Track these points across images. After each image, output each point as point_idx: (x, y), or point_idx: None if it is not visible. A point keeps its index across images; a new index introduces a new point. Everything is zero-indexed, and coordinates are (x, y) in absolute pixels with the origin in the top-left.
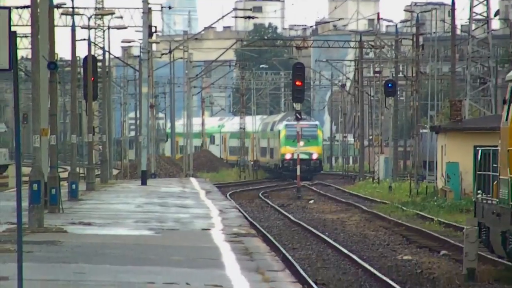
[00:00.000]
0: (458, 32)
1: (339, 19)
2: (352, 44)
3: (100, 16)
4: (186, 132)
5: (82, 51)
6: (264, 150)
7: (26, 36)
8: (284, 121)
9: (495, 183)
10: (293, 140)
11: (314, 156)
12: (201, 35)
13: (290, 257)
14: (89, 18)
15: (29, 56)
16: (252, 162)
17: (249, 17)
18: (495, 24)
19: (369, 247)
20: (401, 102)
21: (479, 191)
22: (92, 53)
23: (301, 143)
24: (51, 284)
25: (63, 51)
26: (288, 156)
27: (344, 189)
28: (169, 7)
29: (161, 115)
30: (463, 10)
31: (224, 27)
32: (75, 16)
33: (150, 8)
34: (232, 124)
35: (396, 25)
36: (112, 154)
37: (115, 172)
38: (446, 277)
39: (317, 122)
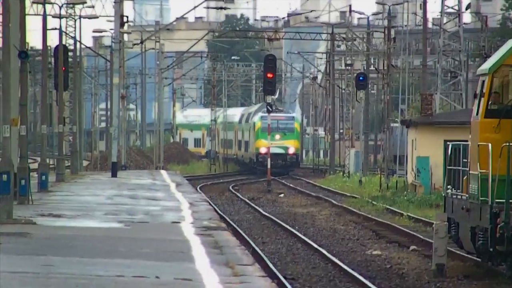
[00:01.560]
0: (430, 25)
1: (311, 11)
2: (323, 36)
3: (71, 5)
4: (159, 124)
5: (53, 41)
6: (232, 143)
7: None
8: (259, 113)
9: (465, 178)
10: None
11: (291, 151)
12: (173, 26)
13: (260, 251)
14: (60, 7)
15: (0, 45)
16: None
17: (221, 8)
18: (467, 17)
19: (339, 241)
20: (372, 96)
21: (449, 186)
22: (63, 42)
23: (277, 136)
24: (20, 276)
25: (34, 40)
26: (263, 150)
27: (315, 183)
28: None
29: (132, 106)
30: (435, 3)
31: (196, 17)
32: (47, 5)
33: None
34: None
35: (368, 18)
36: (82, 145)
37: (85, 163)
38: (415, 273)
39: (294, 114)
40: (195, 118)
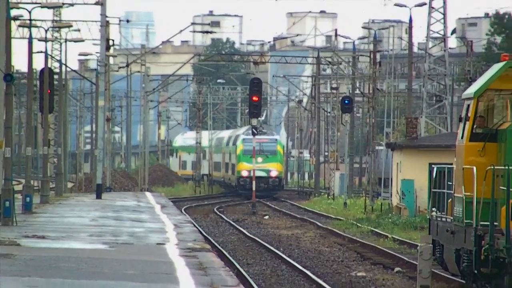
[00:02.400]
0: (415, 49)
1: (297, 35)
2: (309, 60)
3: (57, 29)
4: (144, 146)
5: (38, 64)
6: (220, 165)
7: None
8: (242, 135)
9: (449, 201)
10: (251, 155)
11: (273, 174)
12: (159, 49)
13: (244, 273)
14: (46, 31)
15: None
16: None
17: (207, 32)
18: (452, 42)
19: (324, 263)
20: (357, 119)
21: (433, 209)
22: (49, 65)
23: (259, 159)
24: None
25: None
26: (244, 173)
27: (299, 205)
28: (127, 21)
29: (117, 128)
30: (420, 28)
31: (182, 41)
32: (32, 28)
33: (108, 21)
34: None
35: (353, 42)
36: (67, 167)
37: (70, 185)
38: None
39: (277, 137)
40: (194, 141)
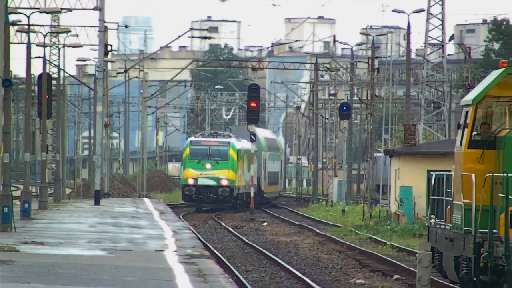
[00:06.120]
0: (413, 56)
1: (295, 41)
2: (307, 66)
3: (55, 34)
4: (142, 152)
5: (37, 69)
6: None
7: None
8: (192, 138)
9: (448, 208)
10: (198, 161)
11: (224, 182)
12: (157, 55)
13: (243, 279)
14: (44, 36)
15: None
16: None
17: (205, 37)
18: (450, 49)
19: (322, 270)
20: (355, 125)
21: (432, 216)
22: (47, 71)
23: (208, 165)
24: None
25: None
26: (190, 181)
27: (298, 211)
28: (126, 26)
29: (115, 134)
30: (419, 34)
31: (180, 47)
32: (31, 34)
33: (106, 27)
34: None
35: (351, 48)
36: (65, 173)
37: (68, 191)
38: None
39: (230, 140)
40: None
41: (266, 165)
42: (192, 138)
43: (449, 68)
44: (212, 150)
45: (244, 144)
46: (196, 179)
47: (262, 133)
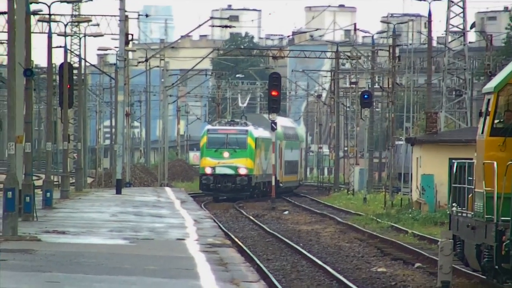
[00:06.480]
0: (434, 44)
1: (316, 29)
2: (328, 54)
3: (76, 23)
4: (163, 141)
5: (58, 59)
6: None
7: (2, 43)
8: (209, 125)
9: (470, 196)
10: (216, 149)
11: (242, 171)
12: (178, 44)
13: (264, 268)
14: (65, 25)
15: (5, 63)
16: None
17: (225, 26)
18: (471, 36)
19: (344, 258)
20: (376, 114)
21: (454, 204)
22: (68, 60)
23: (225, 153)
24: None
25: (39, 58)
26: (208, 170)
27: (319, 200)
28: (146, 15)
29: (136, 123)
30: (440, 22)
31: (200, 35)
32: (52, 23)
33: (127, 16)
34: None
35: (372, 36)
36: (87, 162)
37: (89, 180)
38: None
39: (248, 128)
40: None
41: (283, 154)
42: (209, 126)
43: (470, 56)
44: (230, 138)
45: (261, 132)
46: (214, 168)
47: (279, 121)
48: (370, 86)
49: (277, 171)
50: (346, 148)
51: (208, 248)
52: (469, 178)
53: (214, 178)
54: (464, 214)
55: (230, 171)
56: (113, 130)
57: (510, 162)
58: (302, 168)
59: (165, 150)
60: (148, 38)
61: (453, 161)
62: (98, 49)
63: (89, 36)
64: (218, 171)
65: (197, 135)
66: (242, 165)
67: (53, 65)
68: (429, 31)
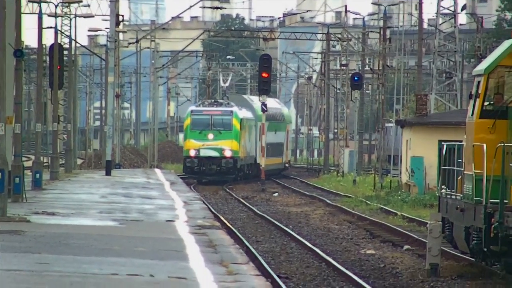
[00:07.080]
0: (425, 26)
1: (307, 11)
2: (319, 36)
3: (67, 4)
4: (153, 122)
5: (48, 39)
6: None
7: None
8: (192, 106)
9: (459, 178)
10: (200, 131)
11: (227, 153)
12: (168, 25)
13: (254, 250)
14: (56, 6)
15: None
16: None
17: (216, 8)
18: (462, 18)
19: (333, 241)
20: (367, 96)
21: (443, 186)
22: (59, 41)
23: (210, 135)
24: (14, 274)
25: (29, 38)
26: (192, 153)
27: (309, 182)
28: None
29: (126, 104)
30: (431, 4)
31: (191, 17)
32: (42, 4)
33: None
34: None
35: (363, 18)
36: (76, 144)
37: (79, 161)
38: (409, 272)
39: (232, 108)
40: None
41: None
42: (193, 107)
43: (461, 38)
44: (215, 119)
45: (245, 113)
46: (198, 150)
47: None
48: (360, 68)
49: (257, 153)
50: (336, 130)
51: (198, 230)
52: (458, 160)
53: (199, 161)
54: (453, 197)
55: (215, 153)
56: (103, 111)
57: (500, 145)
58: (288, 150)
59: (155, 132)
60: (139, 19)
61: (443, 143)
62: (89, 30)
63: (79, 17)
64: (203, 154)
65: None
66: (227, 147)
67: (44, 46)
68: (420, 13)
